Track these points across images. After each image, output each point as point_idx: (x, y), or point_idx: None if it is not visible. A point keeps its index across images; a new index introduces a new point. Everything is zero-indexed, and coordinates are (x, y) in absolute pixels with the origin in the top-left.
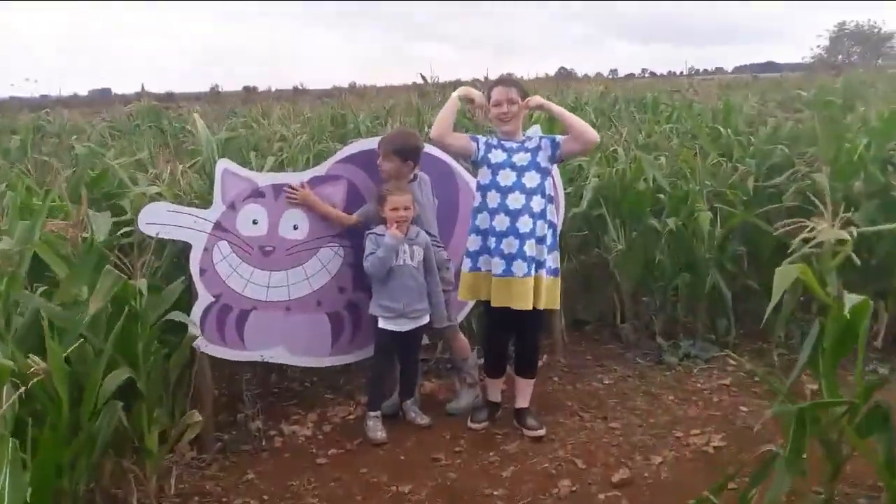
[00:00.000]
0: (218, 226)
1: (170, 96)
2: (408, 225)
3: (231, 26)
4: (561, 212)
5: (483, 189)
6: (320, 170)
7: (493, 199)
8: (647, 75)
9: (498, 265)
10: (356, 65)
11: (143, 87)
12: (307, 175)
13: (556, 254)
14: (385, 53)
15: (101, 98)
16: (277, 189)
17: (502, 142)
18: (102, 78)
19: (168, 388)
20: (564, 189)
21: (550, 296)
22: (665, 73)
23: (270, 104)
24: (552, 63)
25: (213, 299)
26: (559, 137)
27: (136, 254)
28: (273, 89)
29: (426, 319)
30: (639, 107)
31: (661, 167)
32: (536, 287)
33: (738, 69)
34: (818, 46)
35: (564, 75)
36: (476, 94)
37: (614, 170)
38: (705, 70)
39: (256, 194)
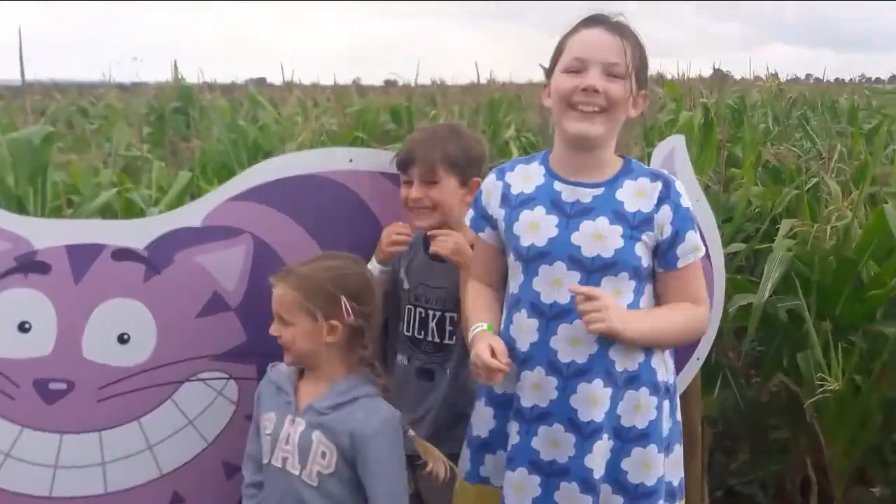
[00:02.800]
0: None
1: (315, 87)
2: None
3: (379, 22)
4: (716, 306)
5: (511, 303)
6: (193, 215)
7: (525, 330)
8: (811, 80)
9: (515, 482)
10: (498, 60)
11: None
12: (163, 225)
13: (678, 451)
14: (526, 50)
15: (255, 86)
16: (81, 255)
17: (556, 181)
18: (258, 67)
19: None
20: (725, 255)
21: None
22: (832, 80)
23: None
24: (705, 63)
25: None
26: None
27: None
28: (414, 83)
29: None
30: (830, 113)
31: None
32: None
33: None
34: None
35: (720, 77)
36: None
37: (828, 228)
38: (878, 79)
39: (28, 267)
